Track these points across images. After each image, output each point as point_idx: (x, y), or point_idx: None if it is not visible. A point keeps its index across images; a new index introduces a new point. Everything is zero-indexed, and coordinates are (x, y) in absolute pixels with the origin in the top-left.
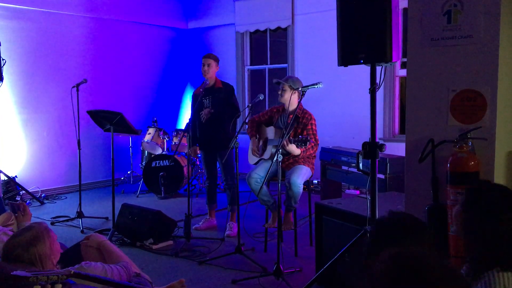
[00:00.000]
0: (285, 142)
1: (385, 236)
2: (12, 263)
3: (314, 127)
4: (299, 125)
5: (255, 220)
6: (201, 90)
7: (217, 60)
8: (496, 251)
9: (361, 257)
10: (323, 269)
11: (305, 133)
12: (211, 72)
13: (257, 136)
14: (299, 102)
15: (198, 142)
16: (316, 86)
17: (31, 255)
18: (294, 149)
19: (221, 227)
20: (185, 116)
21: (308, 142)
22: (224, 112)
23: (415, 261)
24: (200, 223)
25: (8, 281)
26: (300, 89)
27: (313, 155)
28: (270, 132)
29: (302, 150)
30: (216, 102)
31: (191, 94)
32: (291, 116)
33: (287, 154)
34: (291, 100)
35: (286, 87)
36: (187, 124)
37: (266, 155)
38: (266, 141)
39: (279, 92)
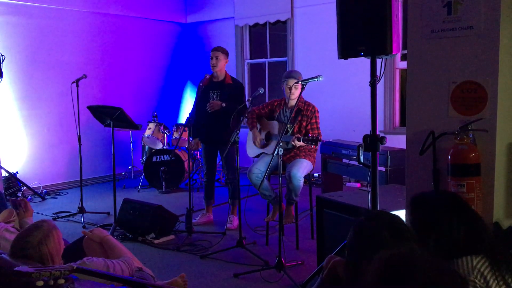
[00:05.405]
0: (293, 142)
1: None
2: (21, 260)
3: (318, 120)
4: (303, 117)
5: (256, 214)
6: (208, 83)
7: (225, 53)
8: (448, 245)
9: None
10: (324, 262)
11: (309, 126)
12: (220, 65)
13: (258, 128)
14: (300, 95)
15: (200, 135)
16: (316, 79)
17: (43, 254)
18: (301, 144)
19: (221, 222)
20: (185, 110)
21: (319, 141)
22: (234, 108)
23: (407, 262)
24: (198, 218)
25: (11, 277)
26: (300, 82)
27: (314, 148)
28: (274, 126)
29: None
30: (225, 97)
31: (197, 85)
32: (294, 109)
33: (288, 148)
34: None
35: (296, 84)
36: (188, 118)
37: (269, 149)
38: (268, 135)
39: (292, 91)
